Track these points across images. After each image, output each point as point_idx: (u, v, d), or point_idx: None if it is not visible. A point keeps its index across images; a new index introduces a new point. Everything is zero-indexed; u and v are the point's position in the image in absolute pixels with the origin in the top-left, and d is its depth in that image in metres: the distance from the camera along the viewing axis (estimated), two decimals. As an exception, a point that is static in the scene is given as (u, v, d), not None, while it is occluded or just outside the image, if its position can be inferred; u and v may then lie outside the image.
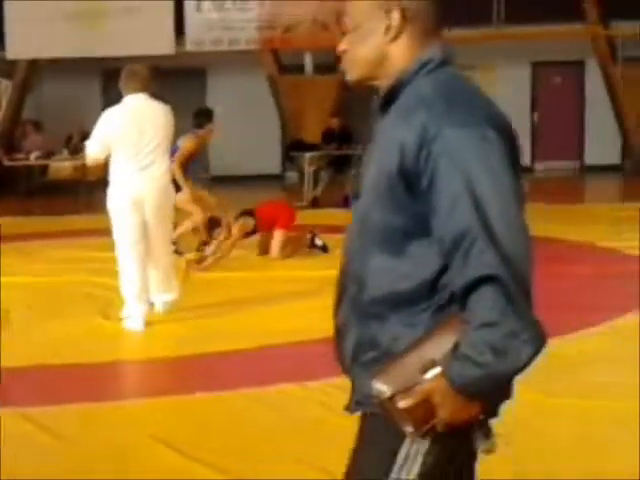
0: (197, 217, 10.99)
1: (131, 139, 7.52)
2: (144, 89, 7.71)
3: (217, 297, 8.86)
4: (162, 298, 7.92)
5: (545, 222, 11.41)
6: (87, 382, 6.30)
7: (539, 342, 2.07)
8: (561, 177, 21.69)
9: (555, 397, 5.52)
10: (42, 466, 4.75)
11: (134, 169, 7.53)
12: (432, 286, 2.21)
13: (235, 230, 10.66)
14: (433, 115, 2.15)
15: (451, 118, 2.13)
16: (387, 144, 2.24)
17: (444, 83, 2.23)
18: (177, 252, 10.52)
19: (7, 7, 21.44)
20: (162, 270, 7.85)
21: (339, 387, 5.56)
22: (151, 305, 7.81)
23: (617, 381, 5.87)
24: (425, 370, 2.12)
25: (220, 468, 4.57)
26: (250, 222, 10.82)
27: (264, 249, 11.05)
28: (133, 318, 7.55)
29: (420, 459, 2.20)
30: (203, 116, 11.51)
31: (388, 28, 2.27)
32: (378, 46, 2.30)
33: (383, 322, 2.26)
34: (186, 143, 10.95)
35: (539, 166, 22.89)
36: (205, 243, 10.98)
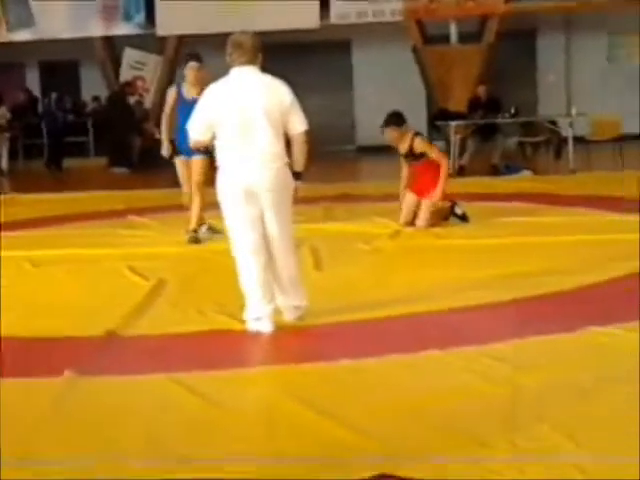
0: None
1: (236, 118, 6.56)
2: (251, 61, 6.66)
3: (365, 266, 8.94)
4: (290, 303, 6.84)
5: None
6: (232, 348, 6.47)
7: None
8: None
9: None
10: (192, 430, 4.87)
11: (242, 152, 6.58)
12: None
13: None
14: None
15: None
16: None
17: None
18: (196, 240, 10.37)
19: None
20: (287, 272, 6.79)
21: (487, 355, 5.72)
22: (277, 310, 6.78)
23: None
24: None
25: (366, 432, 4.62)
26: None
27: (409, 217, 10.86)
28: (258, 320, 6.64)
29: None
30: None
31: None
32: None
33: None
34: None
35: None
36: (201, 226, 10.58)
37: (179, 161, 10.54)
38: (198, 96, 9.76)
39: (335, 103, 23.48)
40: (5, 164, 21.23)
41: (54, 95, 23.34)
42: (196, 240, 10.37)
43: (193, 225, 10.49)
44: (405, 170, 11.15)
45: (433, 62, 21.94)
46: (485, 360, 5.61)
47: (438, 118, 18.69)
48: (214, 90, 6.77)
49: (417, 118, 22.56)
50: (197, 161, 10.22)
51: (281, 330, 6.63)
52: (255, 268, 6.63)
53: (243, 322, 6.70)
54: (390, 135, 10.86)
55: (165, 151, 10.60)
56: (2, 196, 15.94)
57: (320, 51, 23.36)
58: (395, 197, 11.12)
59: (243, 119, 6.56)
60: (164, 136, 10.58)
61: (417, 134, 10.93)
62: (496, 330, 6.41)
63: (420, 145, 10.78)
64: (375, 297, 7.42)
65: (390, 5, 21.51)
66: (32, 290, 8.66)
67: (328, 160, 15.08)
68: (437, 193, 10.70)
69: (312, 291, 7.00)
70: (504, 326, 6.53)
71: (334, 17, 21.61)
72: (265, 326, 6.60)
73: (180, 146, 10.22)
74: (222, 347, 6.49)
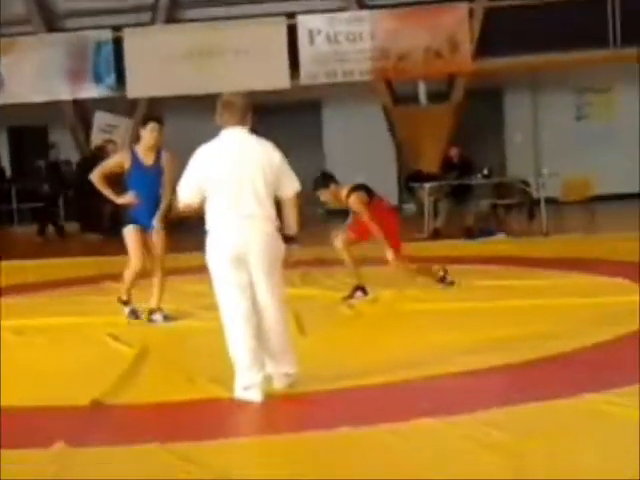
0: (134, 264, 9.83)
1: (227, 181, 6.58)
2: (241, 122, 6.75)
3: (349, 331, 8.97)
4: (280, 370, 6.80)
5: None
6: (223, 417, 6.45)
7: None
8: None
9: None
10: None
11: (233, 217, 6.58)
12: None
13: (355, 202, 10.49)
14: None
15: None
16: None
17: None
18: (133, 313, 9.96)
19: (126, 50, 22.01)
20: (277, 338, 6.75)
21: (483, 422, 5.69)
22: (267, 378, 6.71)
23: None
24: None
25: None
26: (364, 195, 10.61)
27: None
28: (247, 389, 6.57)
29: None
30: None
31: None
32: None
33: None
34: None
35: None
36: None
37: (133, 229, 9.76)
38: (156, 162, 9.65)
39: (305, 163, 23.52)
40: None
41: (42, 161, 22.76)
42: (150, 320, 9.82)
43: (157, 304, 9.87)
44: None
45: (403, 122, 22.11)
46: (482, 428, 5.57)
47: (412, 180, 18.74)
48: (205, 152, 6.73)
49: (388, 179, 22.76)
50: (160, 234, 9.77)
51: (271, 398, 6.58)
52: (245, 336, 6.58)
53: (232, 390, 6.65)
54: (324, 197, 10.78)
55: (125, 199, 9.77)
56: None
57: (290, 112, 23.47)
58: (368, 260, 11.04)
59: (235, 182, 6.56)
60: (109, 192, 9.81)
61: (353, 190, 10.62)
62: (489, 396, 6.39)
63: (355, 204, 10.58)
64: (363, 363, 7.40)
65: (359, 65, 21.70)
66: (14, 359, 8.56)
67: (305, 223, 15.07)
68: (390, 256, 10.46)
69: (299, 357, 6.95)
70: (497, 392, 6.52)
71: (304, 77, 21.76)
72: (255, 395, 6.55)
73: (136, 215, 9.75)
74: (213, 416, 6.45)
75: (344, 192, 10.65)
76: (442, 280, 10.90)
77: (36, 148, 24.34)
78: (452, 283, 10.88)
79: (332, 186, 10.68)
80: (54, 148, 22.48)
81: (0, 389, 7.15)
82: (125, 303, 10.04)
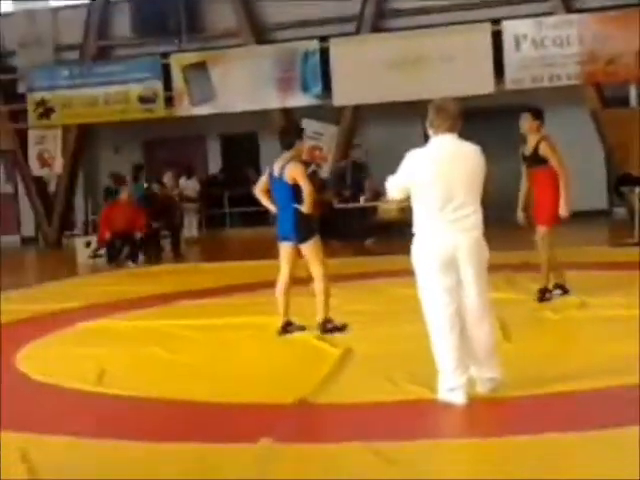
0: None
1: (439, 186, 6.57)
2: (452, 128, 6.70)
3: (555, 336, 8.83)
4: (484, 374, 6.74)
5: None
6: (427, 419, 6.46)
7: None
8: None
9: None
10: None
11: (442, 221, 6.58)
12: None
13: None
14: None
15: None
16: None
17: None
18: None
19: (332, 59, 22.34)
20: (483, 342, 6.71)
21: None
22: (471, 381, 6.68)
23: None
24: None
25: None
26: None
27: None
28: (452, 391, 6.57)
29: None
30: (292, 135, 9.66)
31: None
32: None
33: None
34: (296, 173, 9.41)
35: None
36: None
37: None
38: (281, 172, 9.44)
39: (509, 167, 23.24)
40: (195, 233, 22.10)
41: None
42: (331, 330, 9.43)
43: (325, 315, 9.53)
44: (525, 181, 10.98)
45: (612, 125, 21.58)
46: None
47: (622, 183, 18.28)
48: (418, 156, 6.73)
49: (597, 182, 22.30)
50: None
51: (475, 402, 6.55)
52: (451, 338, 6.59)
53: (435, 392, 6.67)
54: (523, 123, 10.73)
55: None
56: (187, 265, 16.51)
57: (496, 117, 23.27)
58: (581, 265, 10.84)
59: (446, 188, 6.56)
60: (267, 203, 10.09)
61: (546, 138, 10.68)
62: None
63: (544, 149, 10.55)
64: (568, 369, 7.28)
65: (566, 70, 21.33)
66: (224, 357, 8.89)
67: (507, 227, 14.99)
68: (562, 207, 10.48)
69: (504, 363, 6.89)
70: None
71: (509, 82, 21.55)
72: (459, 397, 6.54)
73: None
74: (416, 417, 6.49)
75: (542, 134, 10.68)
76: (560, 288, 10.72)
77: (246, 154, 25.18)
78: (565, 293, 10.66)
79: (538, 122, 10.71)
80: (357, 147, 22.06)
81: (208, 386, 7.43)
82: None
